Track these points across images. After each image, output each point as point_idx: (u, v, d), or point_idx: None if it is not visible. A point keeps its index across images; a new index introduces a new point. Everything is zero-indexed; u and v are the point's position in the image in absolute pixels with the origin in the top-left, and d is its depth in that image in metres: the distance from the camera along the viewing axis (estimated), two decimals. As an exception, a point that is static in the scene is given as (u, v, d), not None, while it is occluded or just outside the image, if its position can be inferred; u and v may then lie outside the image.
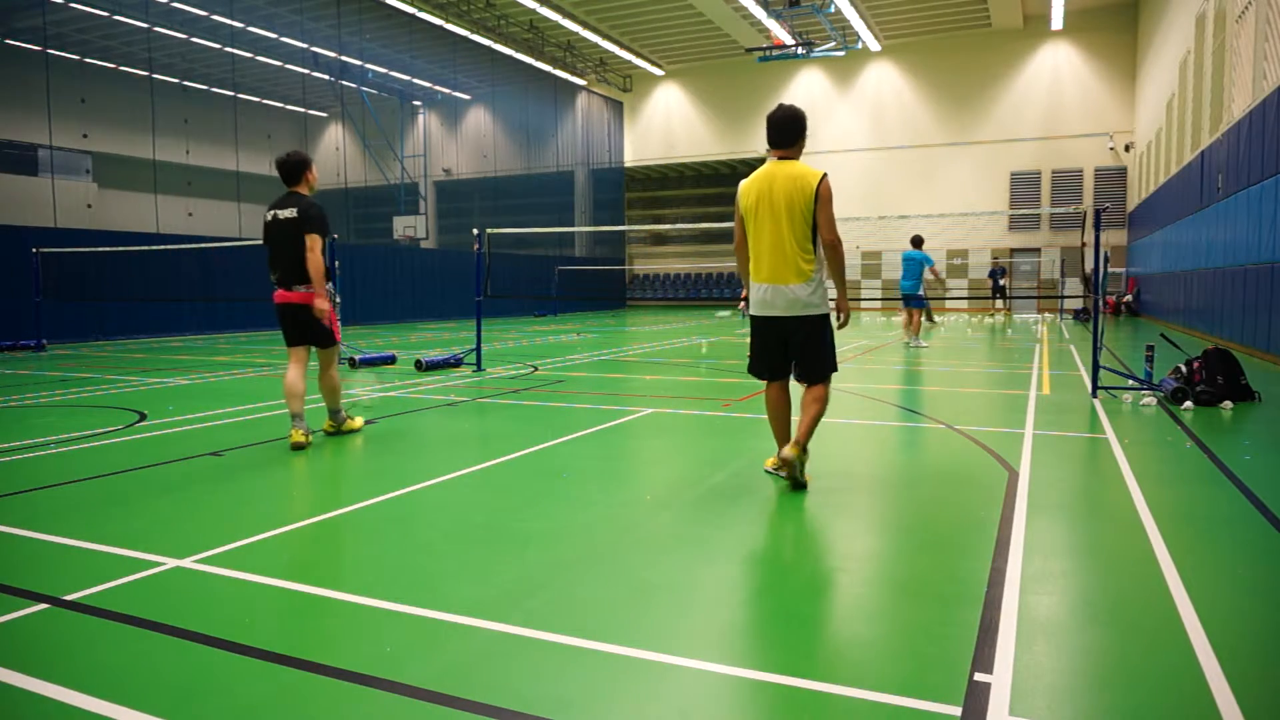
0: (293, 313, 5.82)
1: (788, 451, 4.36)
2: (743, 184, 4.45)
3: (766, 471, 4.83)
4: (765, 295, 4.42)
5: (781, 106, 4.47)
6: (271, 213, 5.83)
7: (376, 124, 31.92)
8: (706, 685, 2.34)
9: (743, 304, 4.97)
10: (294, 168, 5.85)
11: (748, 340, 4.71)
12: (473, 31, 29.17)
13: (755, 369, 4.66)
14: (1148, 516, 3.91)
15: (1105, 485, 4.65)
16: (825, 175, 4.34)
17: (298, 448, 5.65)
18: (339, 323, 6.18)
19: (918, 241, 14.03)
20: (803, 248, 4.32)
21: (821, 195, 4.28)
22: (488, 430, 6.64)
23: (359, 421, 6.37)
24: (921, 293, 14.18)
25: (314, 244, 5.68)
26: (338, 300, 6.24)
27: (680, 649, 2.54)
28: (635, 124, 38.40)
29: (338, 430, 6.19)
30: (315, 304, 5.75)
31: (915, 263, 13.88)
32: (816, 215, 4.30)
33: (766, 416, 4.69)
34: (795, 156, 4.45)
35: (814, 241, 4.36)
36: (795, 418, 4.62)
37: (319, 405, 6.70)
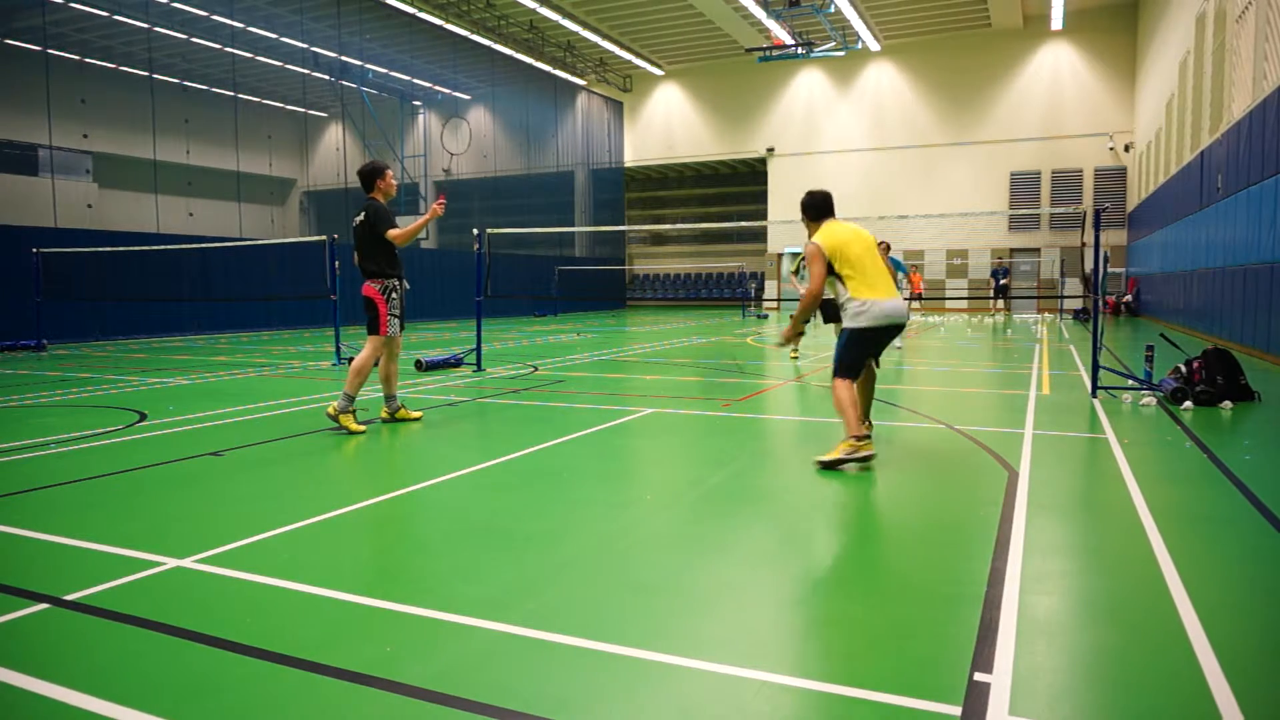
0: (364, 301, 6.54)
1: (867, 430, 5.31)
2: (822, 240, 5.24)
3: (826, 464, 4.98)
4: (892, 308, 5.18)
5: (819, 191, 5.49)
6: (355, 218, 6.64)
7: (376, 124, 31.92)
8: (706, 685, 2.34)
9: (791, 341, 5.76)
10: (365, 176, 6.61)
11: (760, 344, 4.92)
12: (473, 31, 29.17)
13: (853, 372, 5.20)
14: (1148, 516, 3.91)
15: (1105, 485, 4.65)
16: None
17: (384, 420, 6.71)
18: (394, 318, 6.53)
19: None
20: (888, 272, 5.39)
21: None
22: (488, 430, 6.64)
23: (357, 426, 6.28)
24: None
25: (392, 235, 6.44)
26: (398, 292, 6.58)
27: (680, 649, 2.54)
28: (635, 124, 38.39)
29: (335, 420, 6.23)
30: (433, 213, 6.63)
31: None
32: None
33: (847, 405, 5.05)
34: None
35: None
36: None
37: (377, 394, 6.70)
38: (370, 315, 6.56)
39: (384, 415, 6.73)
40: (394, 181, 6.74)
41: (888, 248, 14.48)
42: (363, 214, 6.51)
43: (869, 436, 5.18)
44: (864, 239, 5.34)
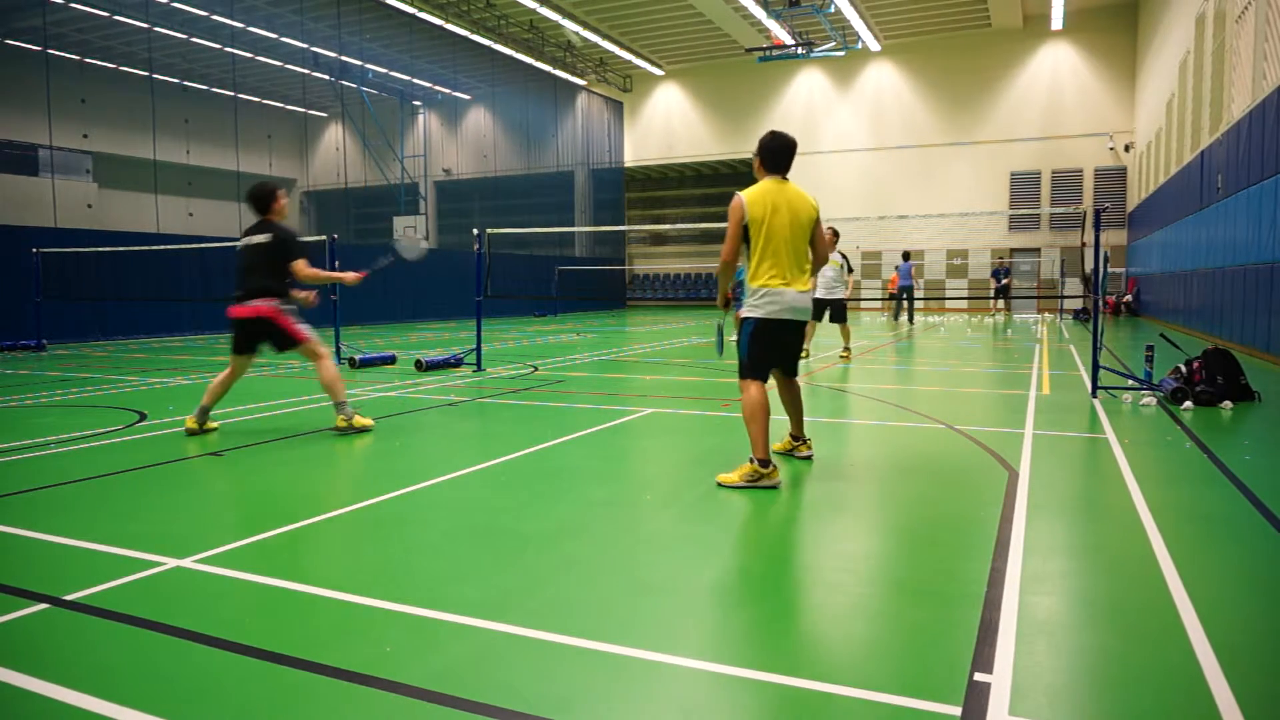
0: (245, 325, 6.19)
1: (804, 449, 5.22)
2: (747, 196, 4.66)
3: (726, 485, 4.54)
4: (792, 300, 4.65)
5: (784, 135, 4.82)
6: (245, 240, 6.25)
7: (376, 124, 31.92)
8: (706, 685, 2.34)
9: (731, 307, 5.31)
10: (262, 198, 6.25)
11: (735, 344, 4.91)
12: (473, 31, 29.17)
13: (759, 371, 4.75)
14: (1148, 516, 3.91)
15: (1105, 485, 4.65)
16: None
17: (189, 433, 6.14)
18: (300, 324, 6.26)
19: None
20: (805, 259, 4.77)
21: (818, 217, 4.84)
22: (488, 430, 6.64)
23: (369, 421, 6.36)
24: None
25: (300, 265, 6.12)
26: (295, 305, 6.30)
27: (680, 649, 2.54)
28: (635, 124, 38.38)
29: (349, 426, 6.19)
30: (347, 278, 6.53)
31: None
32: (814, 233, 4.79)
33: (755, 414, 4.52)
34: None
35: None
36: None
37: (327, 404, 6.70)
38: (267, 334, 6.16)
39: (191, 426, 6.16)
40: (286, 203, 6.38)
41: (835, 236, 13.44)
42: (269, 235, 6.08)
43: (775, 466, 4.55)
44: (799, 214, 4.64)
